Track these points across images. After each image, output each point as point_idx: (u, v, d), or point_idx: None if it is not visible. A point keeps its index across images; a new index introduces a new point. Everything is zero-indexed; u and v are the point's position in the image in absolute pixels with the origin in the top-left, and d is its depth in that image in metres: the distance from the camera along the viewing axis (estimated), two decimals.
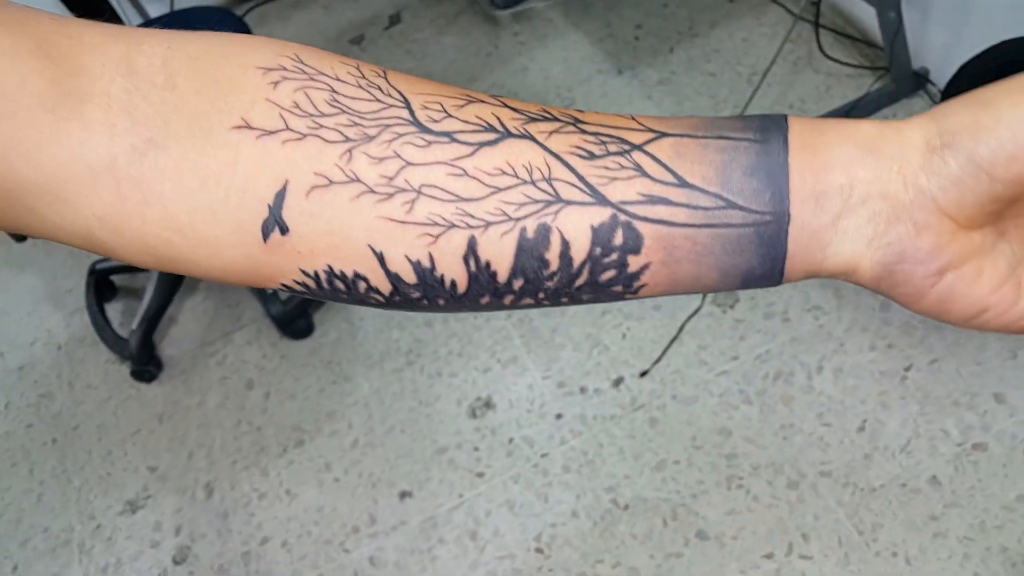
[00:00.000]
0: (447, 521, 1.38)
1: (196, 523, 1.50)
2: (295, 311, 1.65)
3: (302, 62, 0.30)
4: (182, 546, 1.48)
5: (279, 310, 1.64)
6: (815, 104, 1.74)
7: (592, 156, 0.28)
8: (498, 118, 0.29)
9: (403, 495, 1.43)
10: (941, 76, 1.61)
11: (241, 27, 1.58)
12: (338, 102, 0.29)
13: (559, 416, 1.45)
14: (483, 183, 0.28)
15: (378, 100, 0.29)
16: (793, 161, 0.28)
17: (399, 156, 0.28)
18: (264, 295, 1.66)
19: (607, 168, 0.28)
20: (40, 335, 1.89)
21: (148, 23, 1.86)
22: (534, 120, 0.29)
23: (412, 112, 0.29)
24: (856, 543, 1.21)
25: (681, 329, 1.50)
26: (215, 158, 0.29)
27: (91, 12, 1.72)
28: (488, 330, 1.61)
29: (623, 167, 0.28)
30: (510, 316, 1.62)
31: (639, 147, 0.28)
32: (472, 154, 0.28)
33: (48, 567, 1.50)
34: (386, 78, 0.30)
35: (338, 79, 0.30)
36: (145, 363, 1.71)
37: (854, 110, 1.64)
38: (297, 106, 0.29)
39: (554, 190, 0.28)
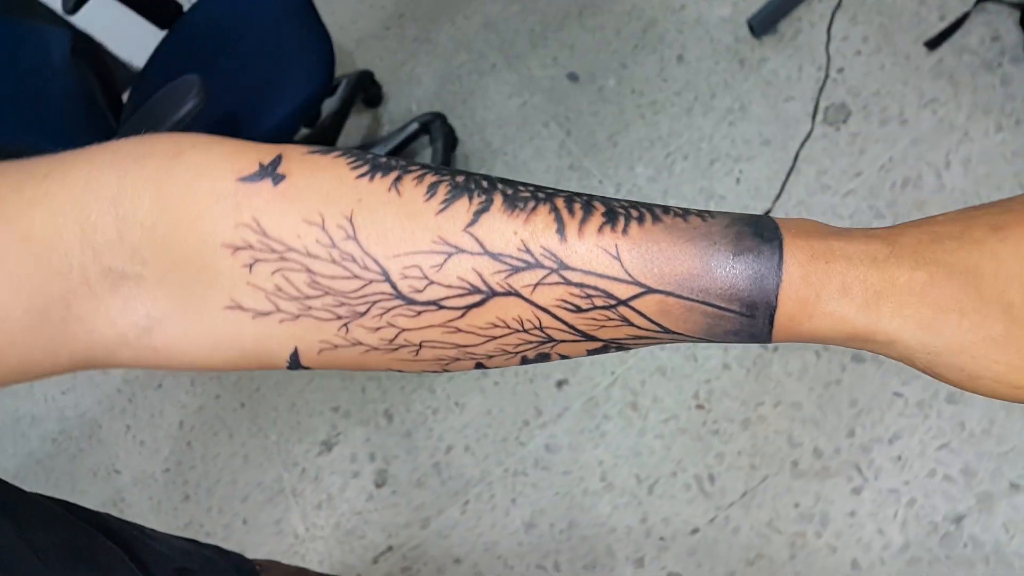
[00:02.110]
0: (607, 398, 1.45)
1: (386, 447, 1.64)
2: None
3: (265, 234, 0.30)
4: (379, 470, 1.63)
5: None
6: None
7: (579, 309, 0.30)
8: (480, 275, 0.29)
9: (560, 384, 1.50)
10: None
11: None
12: (319, 284, 0.30)
13: None
14: (479, 335, 0.31)
15: (357, 276, 0.30)
16: (777, 333, 0.30)
17: (393, 325, 0.30)
18: None
19: (595, 319, 0.30)
20: None
21: None
22: (517, 271, 0.29)
23: (393, 285, 0.30)
24: None
25: (796, 158, 1.47)
26: (220, 330, 0.31)
27: None
28: None
29: (610, 319, 0.30)
30: (618, 191, 1.62)
31: (624, 302, 0.30)
32: (462, 316, 0.30)
33: (271, 515, 1.70)
34: (356, 239, 0.30)
35: (309, 254, 0.29)
36: None
37: None
38: (280, 290, 0.30)
39: (547, 335, 0.31)
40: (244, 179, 0.30)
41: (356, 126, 2.05)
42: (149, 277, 0.30)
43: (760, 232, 0.29)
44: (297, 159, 0.31)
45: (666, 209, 0.30)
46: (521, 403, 1.53)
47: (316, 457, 1.70)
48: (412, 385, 1.66)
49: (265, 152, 0.31)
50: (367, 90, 2.01)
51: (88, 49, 1.51)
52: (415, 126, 1.81)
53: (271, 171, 0.30)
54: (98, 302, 0.30)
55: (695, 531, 1.28)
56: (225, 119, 1.44)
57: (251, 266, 0.30)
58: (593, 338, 0.31)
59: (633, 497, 1.34)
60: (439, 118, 1.82)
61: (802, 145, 1.46)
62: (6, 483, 0.45)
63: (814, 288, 0.29)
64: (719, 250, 0.29)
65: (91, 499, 1.92)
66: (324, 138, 1.85)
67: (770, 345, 1.33)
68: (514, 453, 1.49)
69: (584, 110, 1.76)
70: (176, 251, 0.30)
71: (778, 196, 1.44)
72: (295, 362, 0.32)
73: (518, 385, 1.54)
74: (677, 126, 1.64)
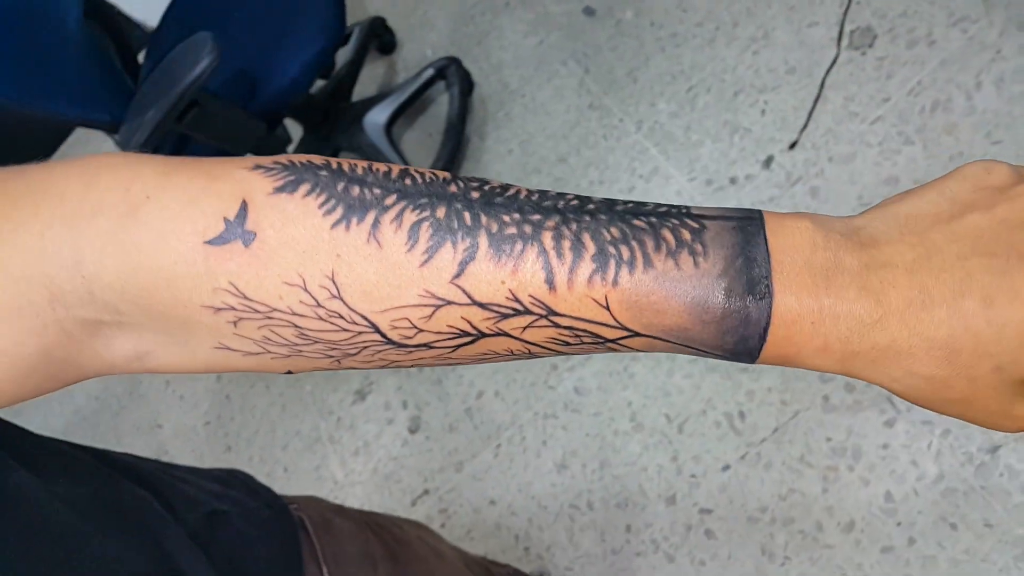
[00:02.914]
0: None
1: (417, 395, 1.66)
2: None
3: (246, 297, 0.29)
4: (412, 417, 1.65)
5: None
6: None
7: (568, 344, 0.31)
8: (469, 322, 0.30)
9: None
10: None
11: None
12: (307, 335, 0.30)
13: None
14: (470, 359, 0.31)
15: (346, 330, 0.30)
16: (761, 362, 0.31)
17: (385, 359, 0.31)
18: None
19: (582, 349, 0.31)
20: None
21: None
22: (506, 317, 0.30)
23: (383, 335, 0.30)
24: None
25: (822, 86, 1.43)
26: (211, 362, 0.31)
27: None
28: (621, 149, 1.60)
29: (597, 349, 0.31)
30: (639, 128, 1.59)
31: (613, 341, 0.30)
32: (453, 352, 0.31)
33: (310, 462, 1.74)
34: (341, 298, 0.29)
35: (294, 313, 0.29)
36: None
37: None
38: (268, 340, 0.30)
39: (535, 355, 0.32)
40: (211, 241, 0.28)
41: (371, 75, 2.02)
42: (129, 323, 0.30)
43: (752, 287, 0.29)
44: (265, 207, 0.29)
45: (658, 243, 0.29)
46: None
47: (351, 406, 1.73)
48: None
49: (227, 199, 0.29)
50: (380, 37, 1.99)
51: (101, 11, 1.50)
52: (431, 72, 1.78)
53: (239, 228, 0.28)
54: (80, 346, 0.30)
55: (726, 468, 1.28)
56: (240, 76, 1.43)
57: (236, 323, 0.30)
58: (581, 354, 0.32)
59: (663, 436, 1.35)
60: (454, 63, 1.79)
61: (828, 72, 1.42)
62: (33, 435, 0.46)
63: (796, 347, 0.30)
64: (708, 309, 0.29)
65: (136, 453, 1.98)
66: (340, 89, 1.83)
67: None
68: (543, 397, 1.50)
69: (602, 46, 1.72)
70: (154, 308, 0.29)
71: (804, 126, 1.41)
72: (292, 375, 0.33)
73: None
74: (699, 58, 1.60)
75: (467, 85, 1.80)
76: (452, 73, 1.78)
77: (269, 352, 0.31)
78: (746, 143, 1.47)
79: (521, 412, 1.52)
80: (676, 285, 0.29)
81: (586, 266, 0.29)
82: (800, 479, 1.22)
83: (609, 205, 0.31)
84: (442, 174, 0.31)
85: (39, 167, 0.30)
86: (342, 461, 1.71)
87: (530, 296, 0.29)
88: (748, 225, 0.30)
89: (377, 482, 1.63)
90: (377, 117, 1.75)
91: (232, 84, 1.43)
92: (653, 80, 1.63)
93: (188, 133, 1.31)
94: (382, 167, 0.30)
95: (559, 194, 0.31)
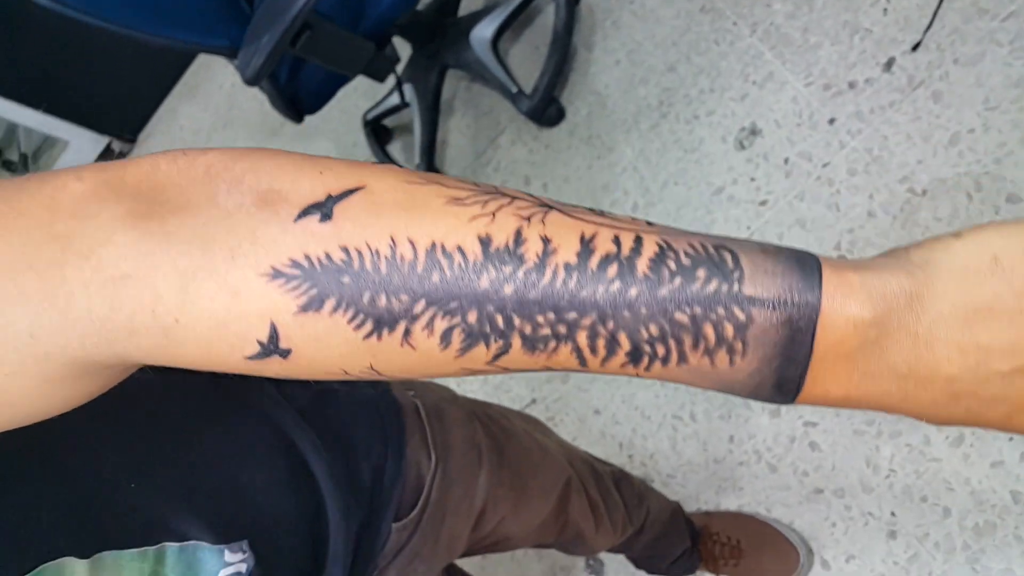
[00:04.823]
0: None
1: None
2: (543, 102, 1.71)
3: (295, 375, 0.31)
4: None
5: (529, 104, 1.70)
6: None
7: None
8: (506, 370, 0.31)
9: None
10: None
11: None
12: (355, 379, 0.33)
13: (832, 120, 1.39)
14: None
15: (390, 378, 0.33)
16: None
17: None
18: (512, 95, 1.72)
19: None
20: None
21: None
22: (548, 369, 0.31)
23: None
24: None
25: None
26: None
27: None
28: (734, 55, 1.54)
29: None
30: (754, 32, 1.53)
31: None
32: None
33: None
34: (382, 374, 0.31)
35: (341, 379, 0.32)
36: None
37: None
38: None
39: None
40: (251, 358, 0.29)
41: None
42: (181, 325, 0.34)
43: (781, 387, 0.29)
44: (294, 327, 0.29)
45: (697, 341, 0.28)
46: None
47: None
48: None
49: (254, 322, 0.29)
50: None
51: None
52: None
53: (275, 348, 0.29)
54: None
55: None
56: None
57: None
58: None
59: None
60: None
61: None
62: None
63: (814, 406, 0.31)
64: (734, 391, 0.30)
65: None
66: (447, 4, 1.83)
67: (919, 189, 1.26)
68: None
69: None
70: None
71: (929, 26, 1.32)
72: None
73: None
74: None
75: None
76: None
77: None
78: (866, 45, 1.39)
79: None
80: (707, 377, 0.30)
81: (619, 359, 0.29)
82: None
83: (653, 285, 0.28)
84: (472, 255, 0.29)
85: (51, 255, 0.28)
86: None
87: (563, 367, 0.30)
88: (799, 319, 0.28)
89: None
90: (484, 32, 1.75)
91: (341, 5, 1.46)
92: None
93: (301, 57, 1.36)
94: (408, 254, 0.29)
95: (601, 266, 0.29)
